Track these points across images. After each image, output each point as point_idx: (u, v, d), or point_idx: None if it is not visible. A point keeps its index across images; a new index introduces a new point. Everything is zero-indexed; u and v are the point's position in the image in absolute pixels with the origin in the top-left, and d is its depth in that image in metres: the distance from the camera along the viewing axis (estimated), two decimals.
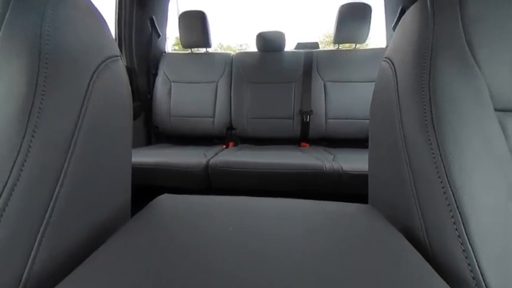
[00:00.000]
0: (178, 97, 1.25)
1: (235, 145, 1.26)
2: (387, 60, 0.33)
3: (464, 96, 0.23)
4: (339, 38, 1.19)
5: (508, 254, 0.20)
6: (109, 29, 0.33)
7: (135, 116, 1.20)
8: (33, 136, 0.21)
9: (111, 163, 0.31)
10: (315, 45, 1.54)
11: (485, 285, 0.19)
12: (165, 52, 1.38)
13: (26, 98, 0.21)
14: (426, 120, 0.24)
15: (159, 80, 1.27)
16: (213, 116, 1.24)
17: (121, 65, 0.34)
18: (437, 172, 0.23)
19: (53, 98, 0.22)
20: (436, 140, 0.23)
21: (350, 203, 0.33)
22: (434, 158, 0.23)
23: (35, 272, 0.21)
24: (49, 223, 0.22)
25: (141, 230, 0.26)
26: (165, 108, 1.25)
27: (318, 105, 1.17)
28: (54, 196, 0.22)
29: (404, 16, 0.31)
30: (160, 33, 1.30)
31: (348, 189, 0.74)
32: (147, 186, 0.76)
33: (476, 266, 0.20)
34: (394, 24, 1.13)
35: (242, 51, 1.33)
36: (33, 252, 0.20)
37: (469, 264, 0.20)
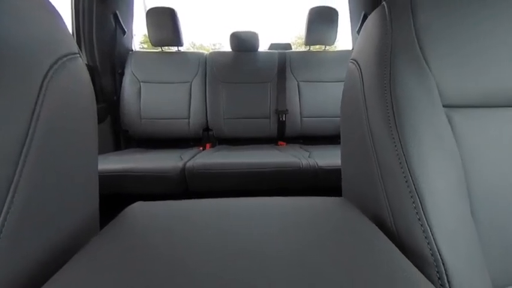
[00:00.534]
0: (149, 98, 1.18)
1: (212, 146, 1.24)
2: (354, 61, 0.36)
3: (419, 95, 0.26)
4: (309, 39, 1.24)
5: (459, 229, 0.23)
6: (64, 23, 0.29)
7: (101, 119, 1.10)
8: None
9: (74, 172, 0.28)
10: (288, 46, 1.58)
11: (441, 259, 0.22)
12: (132, 50, 1.29)
13: None
14: (389, 117, 0.27)
15: (127, 80, 1.18)
16: (188, 117, 1.20)
17: (81, 63, 0.31)
18: (400, 163, 0.25)
19: None
20: (398, 134, 0.26)
21: (325, 197, 0.35)
22: (396, 151, 0.26)
23: None
24: None
25: (114, 240, 0.24)
26: (134, 110, 1.17)
27: (293, 105, 1.20)
28: (2, 215, 0.19)
29: (366, 21, 0.34)
30: (126, 30, 1.21)
31: (324, 183, 0.78)
32: (117, 196, 0.70)
33: (434, 243, 0.23)
34: (358, 28, 1.22)
35: (216, 50, 1.31)
36: None
37: (428, 243, 0.23)
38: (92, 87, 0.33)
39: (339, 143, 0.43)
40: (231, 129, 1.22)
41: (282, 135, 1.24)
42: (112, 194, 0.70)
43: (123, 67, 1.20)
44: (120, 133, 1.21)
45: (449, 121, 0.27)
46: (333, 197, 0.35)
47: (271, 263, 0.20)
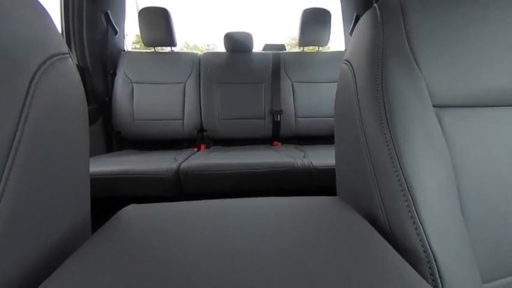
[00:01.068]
0: (142, 99, 1.16)
1: (207, 147, 1.23)
2: (347, 62, 0.36)
3: (409, 95, 0.27)
4: (303, 41, 1.25)
5: (449, 226, 0.24)
6: (53, 23, 0.29)
7: (92, 121, 1.07)
8: None
9: (64, 174, 0.28)
10: (282, 47, 1.59)
11: (433, 255, 0.23)
12: (124, 50, 1.27)
13: None
14: (381, 117, 0.27)
15: (119, 81, 1.16)
16: (182, 118, 1.19)
17: (70, 63, 0.30)
18: (392, 162, 0.26)
19: None
20: (390, 134, 0.26)
21: (320, 197, 0.35)
22: (389, 150, 0.26)
23: None
24: None
25: (108, 242, 0.23)
26: (127, 111, 1.15)
27: (288, 105, 1.21)
28: None
29: (358, 23, 0.34)
30: (118, 30, 1.19)
31: (319, 183, 0.78)
32: (110, 198, 0.68)
33: (426, 240, 0.23)
34: (351, 29, 1.24)
35: (210, 51, 1.30)
36: None
37: (420, 240, 0.23)
38: (83, 88, 0.32)
39: (333, 143, 0.43)
40: (225, 130, 1.22)
41: (277, 135, 1.24)
42: (105, 197, 0.68)
43: (115, 67, 1.18)
44: (112, 134, 1.18)
45: (439, 121, 0.27)
46: (327, 196, 0.35)
47: (267, 263, 0.20)
